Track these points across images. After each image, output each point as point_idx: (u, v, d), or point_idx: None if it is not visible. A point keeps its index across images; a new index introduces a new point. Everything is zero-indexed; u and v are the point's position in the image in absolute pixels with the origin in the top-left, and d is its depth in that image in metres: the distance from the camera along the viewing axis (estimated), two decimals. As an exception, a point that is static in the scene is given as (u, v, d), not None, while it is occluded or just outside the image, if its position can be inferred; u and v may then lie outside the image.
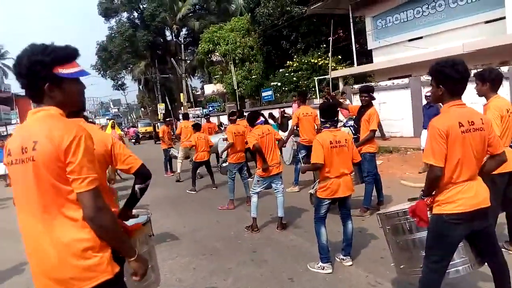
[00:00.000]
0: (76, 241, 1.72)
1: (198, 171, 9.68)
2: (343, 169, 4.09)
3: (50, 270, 1.73)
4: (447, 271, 2.63)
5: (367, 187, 5.84)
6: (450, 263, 2.62)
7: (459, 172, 2.49)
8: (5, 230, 6.43)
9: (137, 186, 2.52)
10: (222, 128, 16.95)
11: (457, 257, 2.67)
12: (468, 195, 2.49)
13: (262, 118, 6.13)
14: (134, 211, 3.31)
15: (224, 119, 24.31)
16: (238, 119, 8.12)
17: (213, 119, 22.97)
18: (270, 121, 13.82)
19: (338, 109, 6.09)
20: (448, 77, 2.53)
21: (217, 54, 26.78)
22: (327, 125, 4.25)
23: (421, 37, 13.86)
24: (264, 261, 4.58)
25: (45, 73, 1.73)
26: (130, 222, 2.82)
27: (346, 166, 4.12)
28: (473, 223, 2.52)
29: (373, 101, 6.00)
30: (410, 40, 14.20)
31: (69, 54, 1.83)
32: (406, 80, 12.30)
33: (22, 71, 1.75)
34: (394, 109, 12.38)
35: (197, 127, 9.86)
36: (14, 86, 40.49)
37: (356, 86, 13.86)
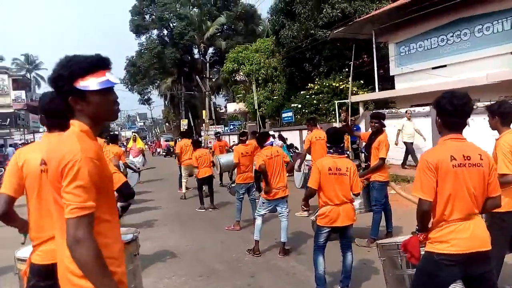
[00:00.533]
0: (70, 262, 1.64)
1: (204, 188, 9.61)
2: (343, 197, 3.97)
3: None
4: None
5: (375, 216, 5.65)
6: None
7: (451, 209, 2.35)
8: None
9: (119, 204, 2.50)
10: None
11: None
12: (462, 236, 2.33)
13: (271, 139, 6.08)
14: (124, 229, 3.30)
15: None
16: (248, 140, 8.06)
17: (234, 138, 23.08)
18: (280, 142, 13.76)
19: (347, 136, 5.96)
20: (442, 109, 2.46)
21: (241, 73, 27.11)
22: (331, 150, 4.17)
23: (444, 65, 13.61)
24: (261, 287, 4.46)
25: (66, 87, 1.73)
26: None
27: (346, 194, 4.00)
28: (467, 267, 2.34)
29: (385, 128, 5.87)
30: (433, 68, 13.97)
31: (92, 64, 1.76)
32: (427, 108, 12.04)
33: (50, 86, 1.80)
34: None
35: (196, 144, 9.83)
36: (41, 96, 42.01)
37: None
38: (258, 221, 5.68)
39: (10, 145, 22.21)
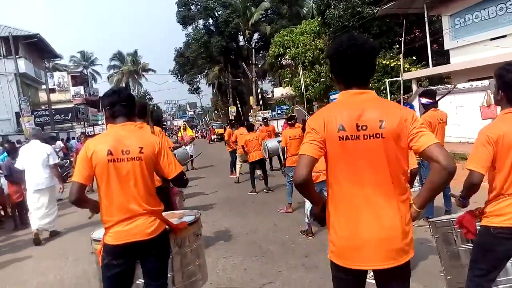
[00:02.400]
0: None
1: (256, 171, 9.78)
2: None
3: None
4: (495, 287, 2.43)
5: None
6: (499, 279, 2.41)
7: (510, 183, 2.28)
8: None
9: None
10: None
11: (504, 275, 2.44)
12: None
13: None
14: (186, 211, 3.49)
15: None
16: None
17: (282, 122, 23.09)
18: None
19: None
20: (507, 83, 2.35)
21: (287, 57, 26.92)
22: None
23: (504, 36, 12.72)
24: (315, 267, 4.53)
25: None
26: (178, 221, 2.99)
27: None
28: None
29: (438, 107, 5.66)
30: (492, 39, 13.10)
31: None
32: (486, 82, 11.36)
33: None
34: (473, 113, 11.49)
35: (250, 128, 10.01)
36: (102, 90, 44.20)
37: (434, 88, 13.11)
38: (307, 205, 5.70)
39: (73, 138, 23.70)
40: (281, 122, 22.06)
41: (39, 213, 6.77)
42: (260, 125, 17.52)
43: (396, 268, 1.84)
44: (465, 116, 11.29)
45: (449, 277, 2.90)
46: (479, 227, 2.45)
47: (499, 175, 2.31)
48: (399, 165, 1.85)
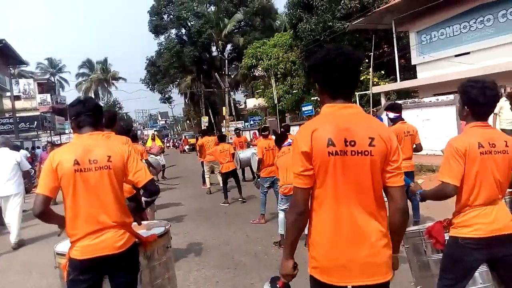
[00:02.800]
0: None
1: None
2: None
3: None
4: None
5: None
6: None
7: (475, 195, 2.36)
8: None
9: (143, 198, 2.63)
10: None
11: (472, 284, 2.51)
12: (485, 220, 2.35)
13: (290, 140, 6.09)
14: (154, 222, 3.41)
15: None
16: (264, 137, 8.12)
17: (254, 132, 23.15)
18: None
19: None
20: (472, 100, 2.43)
21: (260, 69, 27.15)
22: None
23: (468, 53, 13.33)
24: (288, 278, 4.51)
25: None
26: (147, 233, 2.92)
27: None
28: (492, 249, 2.36)
29: (405, 120, 5.84)
30: (456, 56, 13.68)
31: None
32: (451, 97, 11.81)
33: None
34: (438, 127, 11.89)
35: (221, 139, 10.02)
36: (69, 98, 43.05)
37: (400, 102, 13.52)
38: (281, 215, 5.73)
39: (38, 147, 22.88)
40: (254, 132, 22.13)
41: (11, 218, 6.87)
42: (233, 135, 17.52)
43: (380, 285, 1.83)
44: (431, 129, 11.66)
45: (419, 287, 2.95)
46: (447, 238, 2.51)
47: (465, 187, 2.37)
48: (380, 184, 1.85)
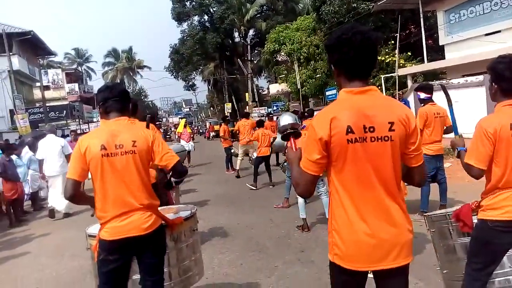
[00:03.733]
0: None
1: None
2: None
3: None
4: (492, 280, 2.44)
5: (422, 189, 5.58)
6: (495, 272, 2.43)
7: (507, 177, 2.29)
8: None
9: (173, 179, 2.71)
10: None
11: (500, 268, 2.46)
12: None
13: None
14: (181, 206, 3.49)
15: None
16: (308, 119, 8.28)
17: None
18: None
19: None
20: (499, 75, 2.36)
21: (283, 53, 26.88)
22: None
23: (499, 31, 12.78)
24: (311, 261, 4.55)
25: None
26: (174, 216, 2.99)
27: None
28: None
29: (435, 102, 5.70)
30: (486, 35, 13.15)
31: None
32: (480, 78, 11.41)
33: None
34: (467, 108, 11.53)
35: (260, 124, 10.09)
36: (96, 87, 43.96)
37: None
38: (300, 199, 5.74)
39: (67, 135, 23.56)
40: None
41: (54, 194, 8.03)
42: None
43: (402, 266, 1.83)
44: (460, 111, 11.30)
45: (445, 271, 2.91)
46: (475, 221, 2.46)
47: (495, 168, 2.32)
48: (400, 167, 1.85)
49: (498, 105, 2.43)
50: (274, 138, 8.92)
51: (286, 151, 2.11)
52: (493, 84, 2.42)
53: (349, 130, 1.73)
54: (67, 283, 4.64)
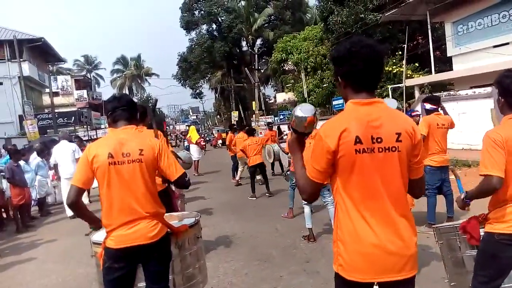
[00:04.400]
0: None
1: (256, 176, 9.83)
2: None
3: None
4: None
5: (428, 200, 5.59)
6: (503, 286, 2.42)
7: None
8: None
9: (173, 187, 2.71)
10: (284, 137, 17.00)
11: (508, 281, 2.44)
12: None
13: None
14: (185, 213, 3.49)
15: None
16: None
17: (284, 127, 23.13)
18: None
19: None
20: (506, 89, 2.39)
21: (290, 63, 26.99)
22: None
23: (507, 43, 12.75)
24: (316, 272, 4.52)
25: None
26: (178, 224, 3.00)
27: None
28: None
29: (443, 111, 5.73)
30: (495, 47, 13.12)
31: None
32: (488, 89, 11.37)
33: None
34: (475, 120, 11.48)
35: (250, 132, 10.07)
36: (104, 94, 44.34)
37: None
38: (306, 209, 5.72)
39: (75, 141, 23.72)
40: (283, 127, 22.04)
41: None
42: (265, 129, 17.57)
43: (408, 279, 1.82)
44: (467, 123, 11.27)
45: (453, 284, 2.90)
46: (483, 233, 2.45)
47: (504, 180, 2.30)
48: (407, 178, 1.85)
49: (504, 117, 2.44)
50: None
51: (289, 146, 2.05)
52: (500, 98, 2.44)
53: (357, 140, 1.74)
54: (72, 290, 4.65)
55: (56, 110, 29.34)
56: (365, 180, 1.77)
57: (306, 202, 5.65)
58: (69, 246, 6.57)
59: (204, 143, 14.73)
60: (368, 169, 1.76)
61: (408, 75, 15.81)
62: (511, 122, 2.37)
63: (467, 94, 12.18)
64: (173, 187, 4.46)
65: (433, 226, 3.21)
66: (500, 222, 2.33)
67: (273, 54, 28.48)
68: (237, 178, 11.37)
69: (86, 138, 26.93)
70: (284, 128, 20.45)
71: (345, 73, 1.85)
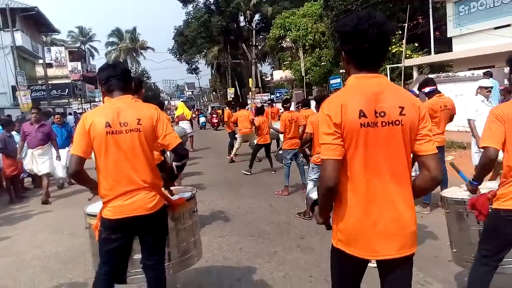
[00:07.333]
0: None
1: (257, 154, 9.84)
2: None
3: None
4: (501, 266, 2.54)
5: None
6: (505, 259, 2.51)
7: None
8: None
9: (174, 164, 2.66)
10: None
11: (511, 255, 2.54)
12: None
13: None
14: (181, 187, 3.46)
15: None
16: (303, 108, 8.22)
17: (279, 105, 22.99)
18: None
19: None
20: None
21: (288, 40, 26.62)
22: None
23: (508, 25, 12.60)
24: (310, 248, 4.55)
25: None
26: (175, 197, 2.97)
27: None
28: None
29: (442, 93, 5.67)
30: (496, 28, 12.97)
31: None
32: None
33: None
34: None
35: (260, 111, 10.02)
36: (99, 66, 43.60)
37: (432, 76, 13.05)
38: (310, 185, 5.70)
39: (70, 114, 23.51)
40: (279, 105, 21.87)
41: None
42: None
43: (407, 256, 1.82)
44: (465, 104, 11.22)
45: (455, 250, 3.02)
46: (491, 210, 2.51)
47: (507, 155, 2.35)
48: (410, 153, 1.82)
49: None
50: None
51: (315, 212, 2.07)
52: (511, 76, 2.49)
53: (362, 114, 1.72)
54: (67, 260, 4.64)
55: (49, 82, 28.91)
56: (368, 155, 1.75)
57: (312, 178, 5.55)
58: (62, 217, 6.55)
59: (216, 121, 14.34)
60: (372, 144, 1.74)
61: (407, 55, 15.66)
62: None
63: (465, 75, 12.11)
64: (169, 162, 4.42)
65: (441, 193, 3.19)
66: (505, 199, 2.38)
67: (271, 31, 28.01)
68: (232, 155, 11.32)
69: (80, 111, 26.69)
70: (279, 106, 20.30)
71: (350, 51, 1.81)
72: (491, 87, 5.54)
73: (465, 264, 2.95)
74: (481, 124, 4.59)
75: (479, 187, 2.69)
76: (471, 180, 2.61)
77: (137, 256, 2.68)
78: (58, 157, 7.89)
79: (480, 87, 5.68)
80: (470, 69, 12.79)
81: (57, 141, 7.94)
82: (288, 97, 13.40)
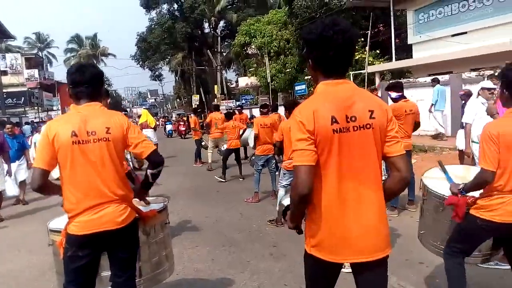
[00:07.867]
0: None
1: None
2: None
3: None
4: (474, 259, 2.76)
5: None
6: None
7: (506, 181, 2.39)
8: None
9: (149, 171, 2.49)
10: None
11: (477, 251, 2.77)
12: (509, 208, 2.41)
13: None
14: (152, 199, 3.31)
15: (256, 112, 24.25)
16: (271, 113, 8.17)
17: (246, 112, 22.97)
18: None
19: None
20: (511, 82, 2.46)
21: (253, 47, 26.73)
22: None
23: (465, 32, 13.19)
24: (283, 255, 4.48)
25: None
26: (146, 209, 2.81)
27: None
28: (506, 233, 2.50)
29: (408, 98, 5.77)
30: (453, 35, 13.55)
31: None
32: (446, 77, 11.74)
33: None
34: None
35: (229, 116, 9.93)
36: (57, 74, 42.15)
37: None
38: (281, 191, 5.64)
39: (26, 123, 22.47)
40: (246, 111, 21.86)
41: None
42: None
43: (381, 259, 1.82)
44: (425, 108, 11.61)
45: (422, 232, 3.15)
46: (466, 212, 2.60)
47: (498, 173, 2.40)
48: (381, 156, 1.83)
49: (508, 110, 2.52)
50: (244, 130, 8.83)
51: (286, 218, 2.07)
52: (504, 91, 2.50)
53: (334, 120, 1.73)
54: (26, 280, 4.33)
55: (4, 90, 27.57)
56: (341, 160, 1.75)
57: (283, 185, 5.48)
58: (20, 234, 6.15)
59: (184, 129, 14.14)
60: (345, 149, 1.75)
61: (370, 62, 16.07)
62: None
63: (425, 81, 12.53)
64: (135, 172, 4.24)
65: (422, 180, 3.20)
66: (486, 210, 2.48)
67: (236, 37, 28.05)
68: (209, 161, 11.05)
69: (37, 120, 25.60)
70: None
71: (316, 57, 1.82)
72: (494, 88, 5.49)
73: (427, 246, 3.12)
74: (480, 127, 4.34)
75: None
76: (461, 190, 2.64)
77: (106, 273, 2.51)
78: (9, 173, 7.36)
79: (482, 89, 5.54)
80: (429, 75, 13.25)
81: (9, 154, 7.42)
82: (266, 102, 13.44)
